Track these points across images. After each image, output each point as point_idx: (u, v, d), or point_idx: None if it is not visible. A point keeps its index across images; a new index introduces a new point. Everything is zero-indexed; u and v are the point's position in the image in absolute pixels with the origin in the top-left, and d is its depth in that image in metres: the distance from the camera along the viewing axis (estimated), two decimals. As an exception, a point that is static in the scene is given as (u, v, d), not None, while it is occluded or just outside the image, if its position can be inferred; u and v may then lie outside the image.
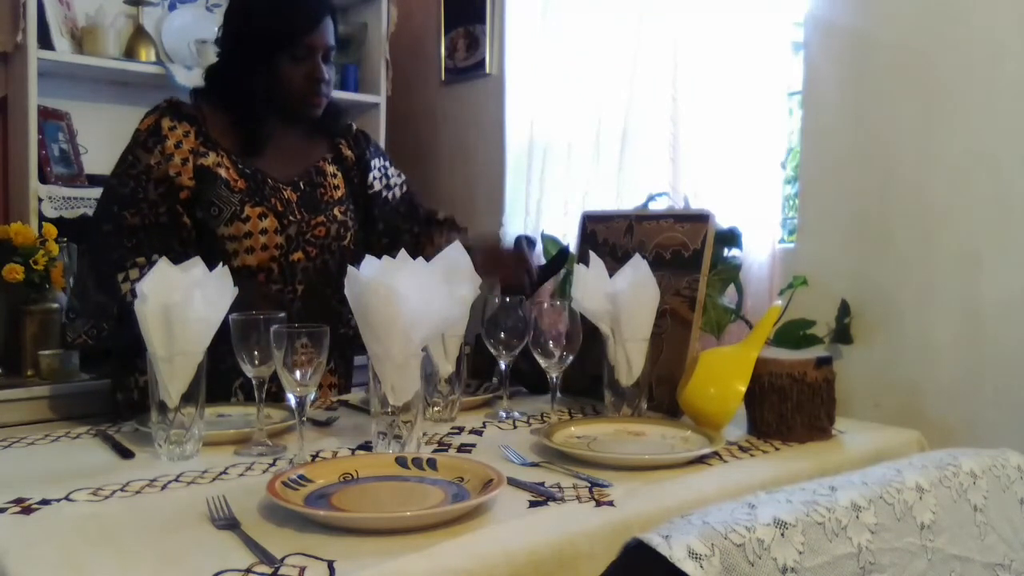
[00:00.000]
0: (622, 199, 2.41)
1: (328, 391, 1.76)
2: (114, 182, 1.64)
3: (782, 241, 2.17)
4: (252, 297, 1.46)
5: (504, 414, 1.53)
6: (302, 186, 1.72)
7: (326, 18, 1.68)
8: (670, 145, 2.33)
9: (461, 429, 1.45)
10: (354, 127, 1.90)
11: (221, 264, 1.34)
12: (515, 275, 1.68)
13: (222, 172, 1.63)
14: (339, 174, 1.80)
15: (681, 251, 1.56)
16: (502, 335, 1.52)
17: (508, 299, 1.53)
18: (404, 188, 1.91)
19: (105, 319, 1.57)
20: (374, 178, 1.86)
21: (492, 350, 1.53)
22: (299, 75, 1.66)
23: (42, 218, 2.38)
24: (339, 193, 1.78)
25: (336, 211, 1.75)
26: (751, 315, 1.80)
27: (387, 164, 1.91)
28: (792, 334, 1.81)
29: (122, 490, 1.09)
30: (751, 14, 2.15)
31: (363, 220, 1.84)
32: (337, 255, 1.74)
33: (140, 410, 1.60)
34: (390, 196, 1.87)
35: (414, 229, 1.87)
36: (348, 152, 1.84)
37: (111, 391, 1.74)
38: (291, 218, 1.67)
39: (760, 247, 2.11)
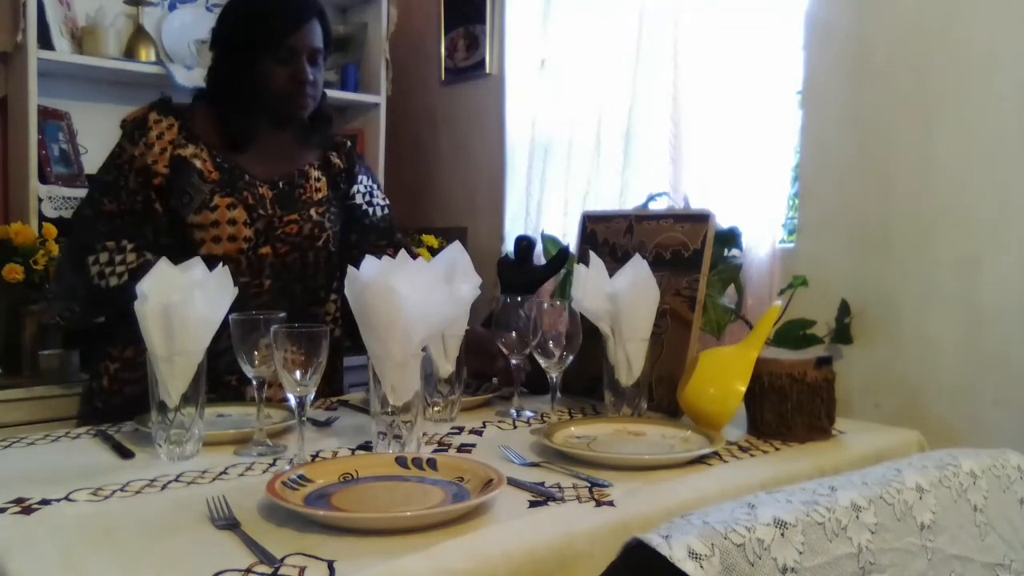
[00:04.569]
0: (623, 199, 2.41)
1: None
2: (100, 171, 1.70)
3: (782, 241, 2.17)
4: None
5: (516, 412, 1.53)
6: (280, 185, 1.73)
7: (310, 21, 1.70)
8: (671, 145, 2.34)
9: (461, 429, 1.45)
10: (348, 144, 1.91)
11: (222, 264, 1.34)
12: (486, 365, 1.67)
13: (197, 163, 1.66)
14: (323, 179, 1.81)
15: (681, 251, 1.56)
16: (513, 335, 1.52)
17: (519, 298, 1.54)
18: (386, 211, 1.91)
19: (76, 301, 1.63)
20: (357, 191, 1.87)
21: (503, 349, 1.53)
22: (283, 77, 1.68)
23: (42, 218, 2.38)
24: (319, 195, 1.78)
25: (313, 211, 1.75)
26: (751, 315, 1.80)
27: (374, 185, 1.92)
28: (792, 334, 1.81)
29: (122, 490, 1.09)
30: (752, 14, 2.15)
31: (341, 227, 1.84)
32: (311, 255, 1.74)
33: (109, 396, 1.65)
34: (370, 211, 1.88)
35: (388, 251, 1.86)
36: (337, 161, 1.85)
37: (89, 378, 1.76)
38: (261, 212, 1.68)
39: (760, 247, 2.11)
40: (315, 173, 1.80)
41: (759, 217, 2.12)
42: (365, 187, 1.89)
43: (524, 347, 1.52)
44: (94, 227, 1.62)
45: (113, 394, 1.65)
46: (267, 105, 1.71)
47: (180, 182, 1.64)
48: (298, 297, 1.74)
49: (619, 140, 2.45)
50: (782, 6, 2.11)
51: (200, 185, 1.64)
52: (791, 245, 2.10)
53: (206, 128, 1.71)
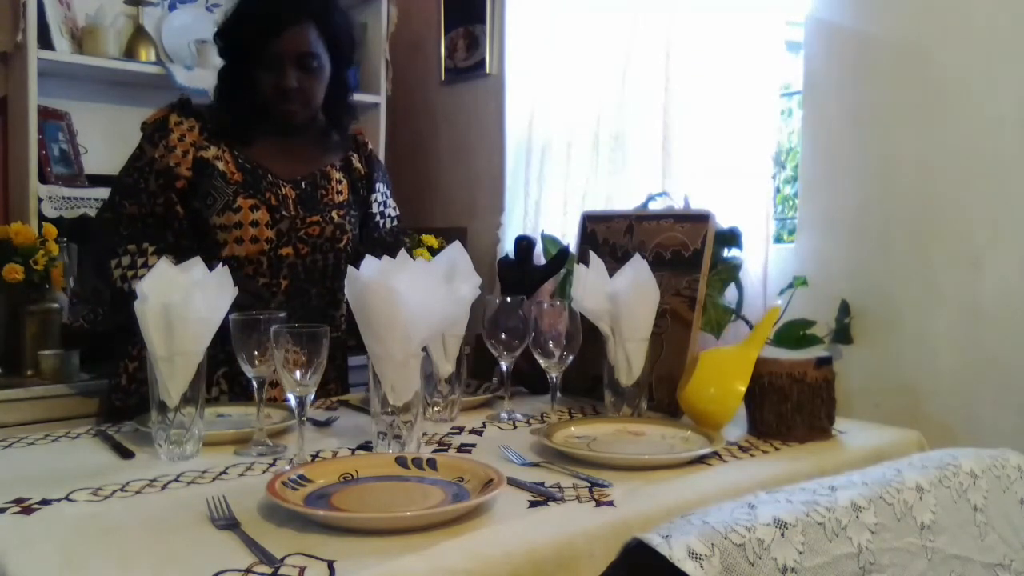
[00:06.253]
0: (622, 198, 2.41)
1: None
2: (122, 174, 1.71)
3: (777, 241, 2.16)
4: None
5: (505, 415, 1.53)
6: (303, 185, 1.74)
7: (297, 25, 1.65)
8: (669, 144, 2.33)
9: (461, 429, 1.45)
10: (368, 145, 1.91)
11: (221, 264, 1.34)
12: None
13: (220, 165, 1.67)
14: (345, 181, 1.81)
15: (681, 251, 1.56)
16: (503, 336, 1.51)
17: (508, 299, 1.53)
18: (395, 223, 1.91)
19: (100, 304, 1.65)
20: (374, 199, 1.87)
21: (493, 351, 1.53)
22: (268, 83, 1.66)
23: (42, 218, 2.37)
24: (341, 198, 1.78)
25: (335, 213, 1.75)
26: (749, 315, 1.80)
27: (388, 193, 1.92)
28: (792, 334, 1.81)
29: (122, 490, 1.09)
30: (746, 13, 2.15)
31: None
32: (331, 257, 1.74)
33: (127, 395, 1.66)
34: (382, 223, 1.88)
35: None
36: (358, 164, 1.86)
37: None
38: (284, 213, 1.68)
39: (754, 247, 2.10)
40: (337, 175, 1.80)
41: (758, 217, 2.12)
42: (381, 195, 1.89)
43: (515, 349, 1.51)
44: (115, 230, 1.64)
45: (131, 393, 1.67)
46: (262, 110, 1.71)
47: (203, 184, 1.65)
48: (313, 299, 1.74)
49: (619, 140, 2.44)
50: (776, 6, 2.10)
51: (223, 187, 1.65)
52: (789, 245, 2.10)
53: (222, 127, 1.72)
